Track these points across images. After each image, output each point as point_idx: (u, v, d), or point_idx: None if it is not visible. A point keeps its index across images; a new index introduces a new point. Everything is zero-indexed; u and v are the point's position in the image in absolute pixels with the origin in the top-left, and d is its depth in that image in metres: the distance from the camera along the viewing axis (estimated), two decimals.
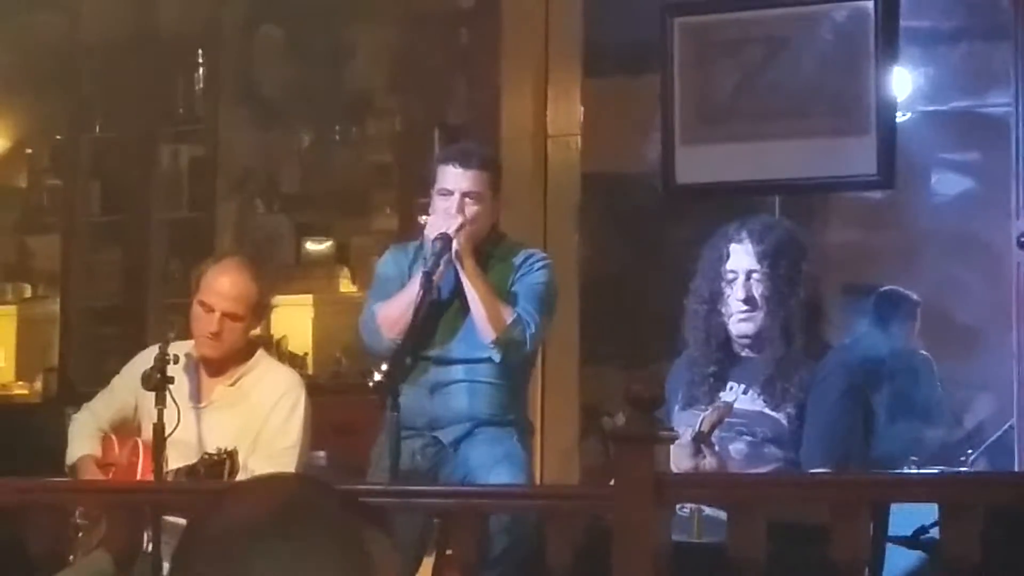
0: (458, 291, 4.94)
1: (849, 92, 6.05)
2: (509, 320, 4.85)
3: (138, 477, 4.91)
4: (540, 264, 5.04)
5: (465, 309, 4.92)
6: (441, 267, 4.85)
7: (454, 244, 4.83)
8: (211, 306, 4.90)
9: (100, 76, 7.97)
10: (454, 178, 4.93)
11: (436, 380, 4.94)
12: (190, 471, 4.64)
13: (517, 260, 5.02)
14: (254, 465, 4.79)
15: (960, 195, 7.40)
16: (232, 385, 4.97)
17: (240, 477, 4.67)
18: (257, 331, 5.26)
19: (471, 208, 4.89)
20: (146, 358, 4.87)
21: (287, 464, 4.85)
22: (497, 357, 4.88)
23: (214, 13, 7.74)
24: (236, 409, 4.93)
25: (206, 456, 4.63)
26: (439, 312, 4.94)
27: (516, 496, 4.34)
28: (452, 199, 4.90)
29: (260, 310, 5.00)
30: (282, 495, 1.74)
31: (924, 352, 6.93)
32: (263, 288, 4.98)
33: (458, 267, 4.87)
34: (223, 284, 4.90)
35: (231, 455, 4.59)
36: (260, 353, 5.12)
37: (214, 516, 1.73)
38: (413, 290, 4.82)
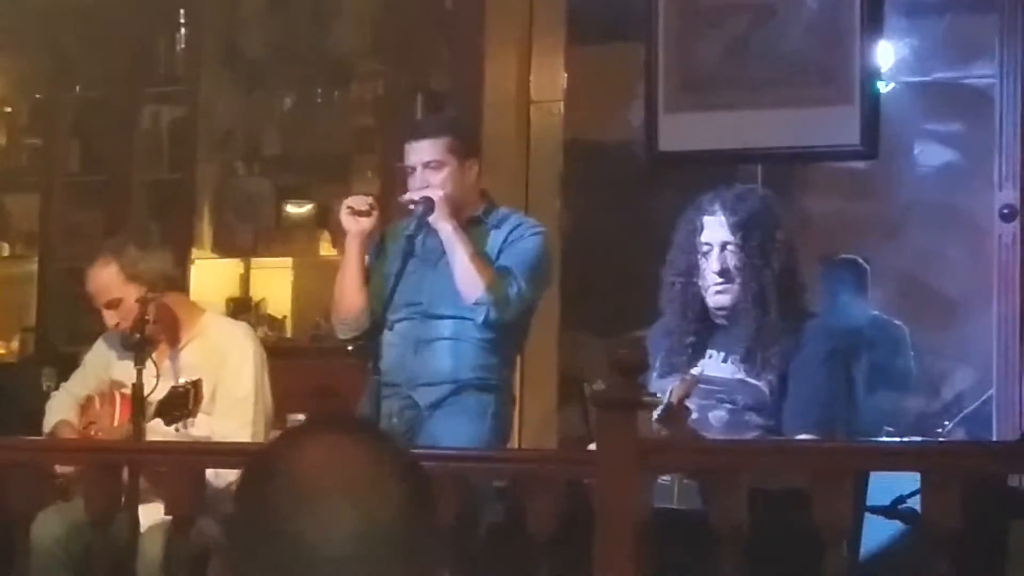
0: (441, 254, 4.91)
1: (833, 62, 6.04)
2: (491, 280, 4.82)
3: (115, 422, 4.93)
4: (531, 232, 4.99)
5: (448, 271, 4.90)
6: (424, 231, 4.85)
7: (435, 213, 4.81)
8: (97, 307, 5.04)
9: (81, 35, 7.91)
10: (413, 152, 4.93)
11: (420, 336, 4.91)
12: (159, 407, 4.66)
13: (507, 226, 4.99)
14: (215, 424, 4.82)
15: (943, 166, 7.40)
16: (182, 351, 5.00)
17: (201, 419, 4.75)
18: (178, 300, 5.19)
19: (435, 176, 4.86)
20: (113, 333, 5.04)
21: (245, 414, 4.91)
22: (480, 317, 4.84)
23: None
24: (186, 373, 4.93)
25: (172, 389, 4.70)
26: (426, 273, 4.92)
27: (498, 460, 4.33)
28: (416, 174, 4.90)
29: (142, 279, 4.94)
30: (357, 439, 1.77)
31: (898, 322, 6.93)
32: (126, 261, 4.96)
33: (440, 233, 4.84)
34: (89, 286, 5.06)
35: (195, 385, 4.67)
36: (206, 317, 5.16)
37: (287, 454, 1.75)
38: (349, 266, 4.93)
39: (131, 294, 4.91)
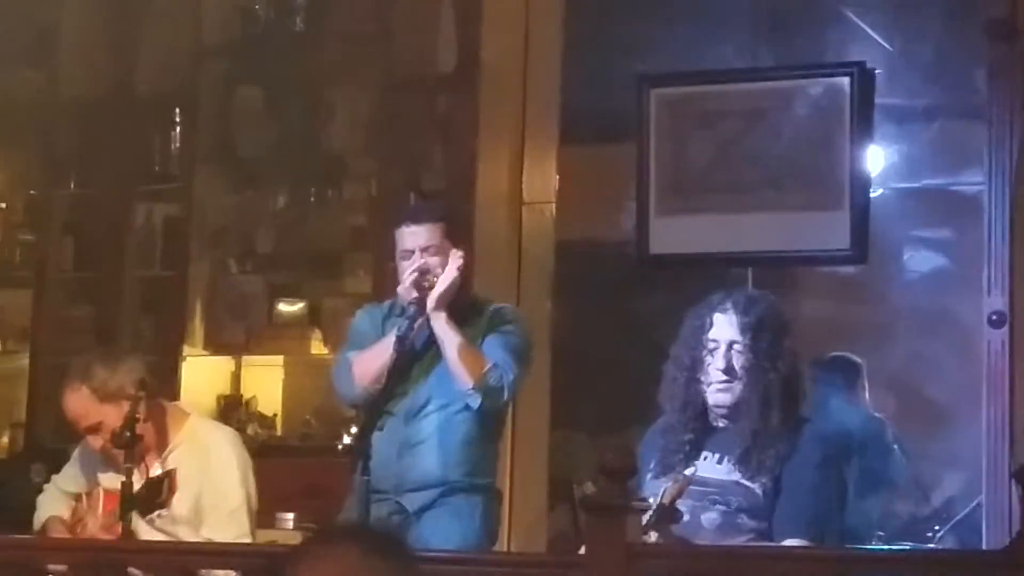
0: (428, 346, 4.97)
1: (824, 167, 6.08)
2: (487, 367, 4.89)
3: (99, 515, 4.92)
4: (510, 315, 5.12)
5: (435, 361, 4.96)
6: (415, 331, 4.90)
7: (428, 302, 4.88)
8: (81, 432, 4.99)
9: (76, 132, 7.97)
10: (410, 237, 5.01)
11: (404, 439, 4.93)
12: (135, 498, 4.65)
13: (487, 313, 5.07)
14: (209, 535, 4.80)
15: (932, 272, 7.44)
16: (168, 458, 4.95)
17: (186, 532, 4.77)
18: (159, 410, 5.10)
19: (432, 260, 4.95)
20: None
21: (241, 525, 4.87)
22: (476, 402, 4.89)
23: (192, 73, 7.76)
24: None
25: (147, 480, 4.70)
26: (409, 367, 4.96)
27: (488, 564, 4.32)
28: (413, 258, 4.96)
29: (117, 398, 4.87)
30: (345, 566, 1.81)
31: (878, 415, 6.92)
32: (96, 383, 4.90)
33: (432, 320, 4.91)
34: (66, 412, 4.99)
35: (169, 475, 4.69)
36: (190, 421, 5.10)
37: (300, 565, 1.84)
38: (389, 341, 4.88)
39: (109, 415, 4.84)
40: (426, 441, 4.95)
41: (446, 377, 4.95)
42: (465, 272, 5.03)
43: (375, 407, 4.80)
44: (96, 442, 4.92)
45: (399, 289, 5.02)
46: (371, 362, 4.94)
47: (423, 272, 4.93)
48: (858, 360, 6.96)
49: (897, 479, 6.81)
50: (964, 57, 6.86)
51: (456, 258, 4.97)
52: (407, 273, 4.96)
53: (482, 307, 5.12)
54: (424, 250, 4.97)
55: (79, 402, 4.92)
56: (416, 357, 4.98)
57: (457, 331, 4.91)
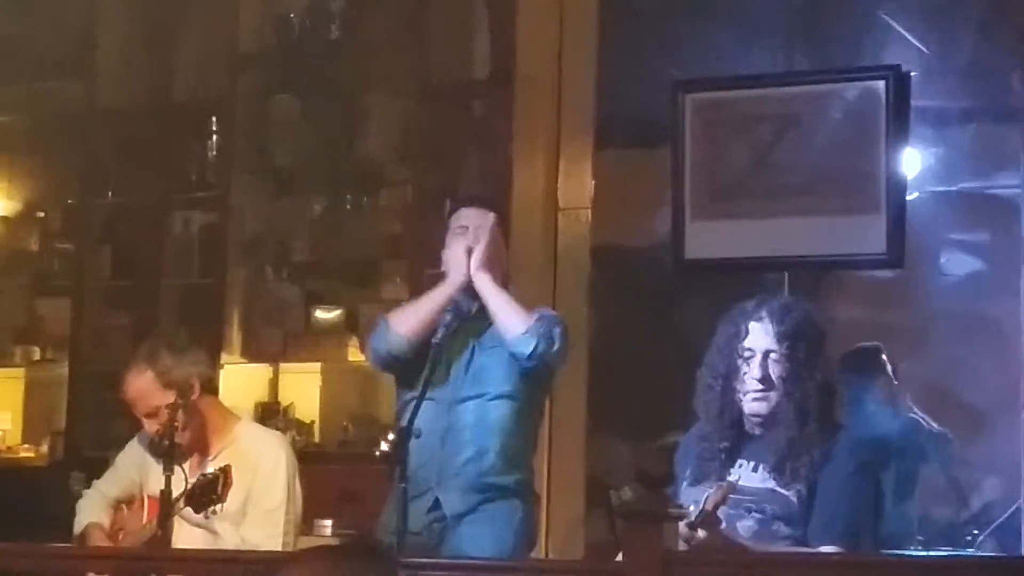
0: (470, 333, 5.03)
1: (859, 171, 6.06)
2: (536, 316, 4.97)
3: (144, 520, 4.94)
4: (548, 310, 5.19)
5: (475, 352, 5.02)
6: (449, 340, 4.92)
7: (472, 262, 5.00)
8: (137, 417, 5.02)
9: (114, 141, 8.03)
10: (467, 215, 5.17)
11: (447, 425, 4.95)
12: (188, 495, 4.67)
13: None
14: (245, 532, 4.83)
15: (969, 275, 7.40)
16: (213, 460, 4.98)
17: (229, 529, 4.80)
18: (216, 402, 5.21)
19: (483, 235, 5.08)
20: (147, 435, 5.03)
21: (275, 525, 4.91)
22: (529, 347, 4.91)
23: (228, 81, 7.79)
24: None
25: (201, 477, 4.69)
26: (452, 354, 5.01)
27: (523, 570, 4.33)
28: (468, 232, 5.09)
29: (176, 386, 4.93)
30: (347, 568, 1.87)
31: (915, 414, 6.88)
32: (161, 368, 4.96)
33: (477, 280, 5.00)
34: (126, 394, 5.02)
35: (224, 471, 4.70)
36: (239, 426, 5.16)
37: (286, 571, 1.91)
38: (431, 296, 5.04)
39: (167, 406, 4.87)
40: (468, 428, 4.97)
41: (488, 367, 4.99)
42: (501, 233, 5.14)
43: (413, 418, 4.78)
44: (152, 427, 4.94)
45: (445, 254, 5.11)
46: (412, 311, 5.08)
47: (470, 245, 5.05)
48: (877, 344, 6.90)
49: (935, 483, 6.78)
50: (1000, 60, 6.84)
51: (491, 219, 5.11)
52: (457, 244, 5.08)
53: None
54: (478, 227, 5.10)
55: (142, 385, 4.97)
56: (459, 345, 5.03)
57: (502, 290, 5.01)
